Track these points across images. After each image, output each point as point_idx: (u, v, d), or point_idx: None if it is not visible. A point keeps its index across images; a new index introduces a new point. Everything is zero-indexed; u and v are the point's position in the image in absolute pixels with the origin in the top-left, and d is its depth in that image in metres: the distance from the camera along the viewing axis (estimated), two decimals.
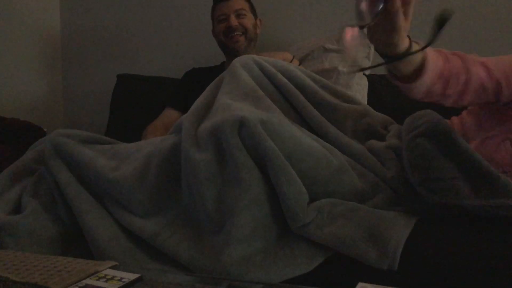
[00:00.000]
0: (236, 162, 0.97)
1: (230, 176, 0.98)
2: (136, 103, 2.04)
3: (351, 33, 0.90)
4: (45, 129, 1.81)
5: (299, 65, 1.68)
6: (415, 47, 0.97)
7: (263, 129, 0.98)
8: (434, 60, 1.02)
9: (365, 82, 1.79)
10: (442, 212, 1.06)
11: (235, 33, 1.79)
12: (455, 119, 1.28)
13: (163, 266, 0.98)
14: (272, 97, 1.18)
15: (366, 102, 1.77)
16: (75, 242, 1.08)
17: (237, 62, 1.21)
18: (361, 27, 0.89)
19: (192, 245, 0.98)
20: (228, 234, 0.95)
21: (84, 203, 1.06)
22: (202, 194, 0.99)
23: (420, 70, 1.00)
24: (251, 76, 1.19)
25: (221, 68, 1.89)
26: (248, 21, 1.82)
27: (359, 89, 1.77)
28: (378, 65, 0.98)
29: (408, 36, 0.97)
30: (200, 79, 1.79)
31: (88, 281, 0.71)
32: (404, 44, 0.96)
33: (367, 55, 1.84)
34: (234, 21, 1.79)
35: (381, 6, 0.86)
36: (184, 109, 1.58)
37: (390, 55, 0.96)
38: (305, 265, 0.95)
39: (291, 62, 1.66)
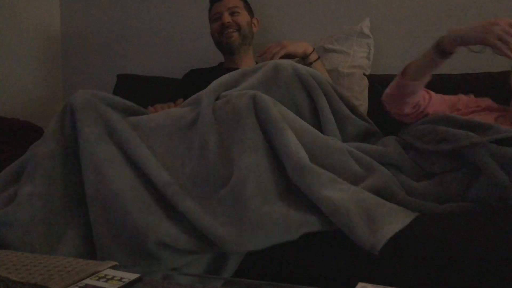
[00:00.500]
0: (244, 126, 1.11)
1: (237, 138, 1.11)
2: (136, 103, 2.03)
3: None
4: (45, 129, 1.81)
5: (318, 58, 1.69)
6: None
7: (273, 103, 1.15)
8: None
9: (365, 82, 1.79)
10: (436, 188, 1.14)
11: (229, 30, 1.81)
12: None
13: (166, 219, 1.02)
14: (297, 96, 1.30)
15: (366, 103, 1.77)
16: (73, 225, 1.08)
17: (273, 63, 1.33)
18: None
19: (197, 201, 1.04)
20: (232, 185, 1.04)
21: (106, 155, 1.09)
22: (210, 152, 1.11)
23: None
24: (286, 74, 1.29)
25: (219, 68, 1.89)
26: (242, 18, 1.83)
27: (360, 90, 1.77)
28: None
29: None
30: (198, 80, 1.79)
31: (88, 281, 0.71)
32: None
33: (367, 55, 1.84)
34: (227, 17, 1.80)
35: None
36: None
37: None
38: (294, 231, 0.99)
39: (311, 53, 1.67)
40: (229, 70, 1.76)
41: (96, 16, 2.36)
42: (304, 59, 1.71)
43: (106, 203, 1.04)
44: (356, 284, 0.68)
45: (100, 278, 0.72)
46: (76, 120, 1.14)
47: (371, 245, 0.94)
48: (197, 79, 1.82)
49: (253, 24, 1.89)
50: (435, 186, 1.13)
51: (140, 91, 2.07)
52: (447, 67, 1.81)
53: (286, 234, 0.99)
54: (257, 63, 1.82)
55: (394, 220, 1.00)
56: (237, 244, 0.97)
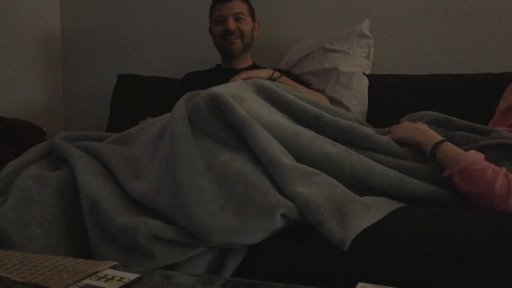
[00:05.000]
0: (214, 136, 1.15)
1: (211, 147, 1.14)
2: (136, 103, 2.04)
3: None
4: (45, 129, 1.81)
5: (281, 75, 1.65)
6: None
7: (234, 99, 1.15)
8: None
9: (365, 82, 1.79)
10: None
11: (232, 36, 1.79)
12: None
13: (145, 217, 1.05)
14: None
15: (366, 102, 1.77)
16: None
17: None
18: None
19: (172, 199, 1.05)
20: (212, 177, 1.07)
21: (89, 167, 1.18)
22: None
23: None
24: (257, 88, 1.31)
25: (216, 70, 1.89)
26: (246, 25, 1.81)
27: (360, 89, 1.77)
28: None
29: None
30: (196, 82, 1.79)
31: (88, 281, 0.71)
32: None
33: (366, 55, 1.84)
34: (232, 24, 1.78)
35: None
36: None
37: None
38: (269, 213, 0.98)
39: (272, 74, 1.64)
40: (226, 71, 1.76)
41: (96, 17, 2.36)
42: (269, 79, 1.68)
43: (92, 207, 1.07)
44: (356, 284, 0.68)
45: (100, 278, 0.72)
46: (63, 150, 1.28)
47: (339, 240, 0.94)
48: (195, 82, 1.81)
49: (254, 29, 1.87)
50: (428, 169, 1.14)
51: (140, 91, 2.07)
52: (447, 67, 1.81)
53: (263, 215, 0.98)
54: None
55: (366, 215, 1.00)
56: (222, 232, 0.97)
